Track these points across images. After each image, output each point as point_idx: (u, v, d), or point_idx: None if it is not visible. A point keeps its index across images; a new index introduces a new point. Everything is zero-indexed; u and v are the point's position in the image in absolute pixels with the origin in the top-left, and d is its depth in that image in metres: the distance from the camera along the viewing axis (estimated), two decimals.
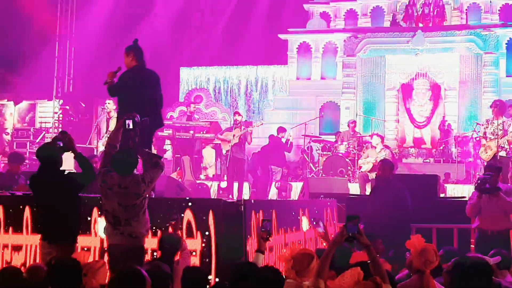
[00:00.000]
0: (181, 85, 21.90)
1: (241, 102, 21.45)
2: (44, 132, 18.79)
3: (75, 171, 7.24)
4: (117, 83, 8.06)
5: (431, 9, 18.54)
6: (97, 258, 6.88)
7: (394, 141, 18.39)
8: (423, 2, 18.61)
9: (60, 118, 19.62)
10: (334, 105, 19.38)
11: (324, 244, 8.04)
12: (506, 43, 18.31)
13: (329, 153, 15.75)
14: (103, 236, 6.66)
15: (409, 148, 18.18)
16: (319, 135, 18.07)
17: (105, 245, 6.63)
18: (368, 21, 19.80)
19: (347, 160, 15.35)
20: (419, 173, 14.62)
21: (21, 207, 7.51)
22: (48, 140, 16.20)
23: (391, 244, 8.00)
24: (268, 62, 21.34)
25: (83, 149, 12.33)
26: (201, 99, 20.61)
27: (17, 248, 7.54)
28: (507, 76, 18.29)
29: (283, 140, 15.63)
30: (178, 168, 14.66)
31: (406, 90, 18.80)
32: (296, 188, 15.11)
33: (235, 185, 14.34)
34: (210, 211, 6.93)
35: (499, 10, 19.00)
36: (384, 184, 9.85)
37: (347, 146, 15.72)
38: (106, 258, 6.48)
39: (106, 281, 4.94)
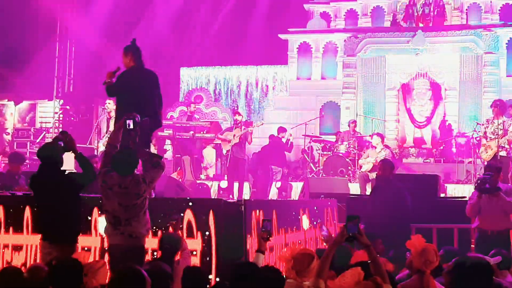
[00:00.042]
0: (181, 85, 21.91)
1: (242, 102, 21.46)
2: (44, 132, 18.79)
3: (76, 171, 7.24)
4: (115, 83, 8.06)
5: (432, 9, 18.54)
6: (97, 258, 6.89)
7: (395, 141, 18.39)
8: (424, 2, 18.61)
9: (61, 118, 19.62)
10: (335, 105, 19.37)
11: (325, 244, 8.05)
12: (506, 43, 18.30)
13: (329, 153, 15.76)
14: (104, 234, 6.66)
15: (410, 148, 18.18)
16: (320, 135, 18.07)
17: (106, 245, 6.63)
18: (368, 21, 19.80)
19: (348, 160, 15.35)
20: (419, 173, 14.62)
21: (21, 207, 7.52)
22: (48, 140, 16.20)
23: (391, 244, 8.00)
24: (268, 62, 21.35)
25: (84, 149, 12.31)
26: (201, 99, 20.63)
27: (17, 248, 7.55)
28: (507, 76, 18.28)
29: (284, 140, 15.64)
30: (179, 168, 14.66)
31: (407, 90, 18.80)
32: (296, 188, 15.11)
33: (236, 185, 14.35)
34: (211, 211, 6.94)
35: (499, 10, 19.00)
36: (385, 184, 9.85)
37: (347, 146, 15.73)
38: (106, 258, 6.48)
39: (107, 281, 4.95)
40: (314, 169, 15.89)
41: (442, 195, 13.10)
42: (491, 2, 18.94)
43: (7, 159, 12.22)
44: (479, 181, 9.11)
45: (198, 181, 14.80)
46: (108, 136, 10.69)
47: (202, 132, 15.66)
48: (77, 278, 4.83)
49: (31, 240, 7.38)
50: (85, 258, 5.39)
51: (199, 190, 14.05)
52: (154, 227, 6.87)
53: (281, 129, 15.87)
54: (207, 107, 20.51)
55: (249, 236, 6.96)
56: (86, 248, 7.14)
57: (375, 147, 14.72)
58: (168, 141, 16.25)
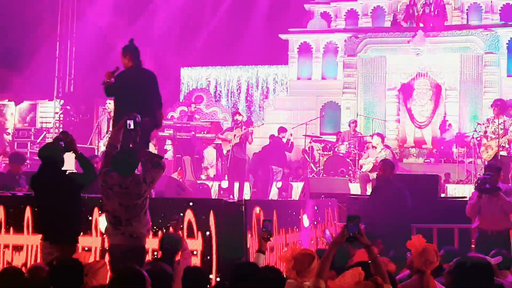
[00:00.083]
0: (182, 85, 21.91)
1: (242, 102, 21.46)
2: (45, 132, 18.79)
3: (76, 171, 7.25)
4: (114, 83, 8.07)
5: (432, 9, 18.54)
6: (98, 258, 6.89)
7: (395, 141, 18.39)
8: (424, 2, 18.61)
9: (61, 118, 19.61)
10: (335, 105, 19.38)
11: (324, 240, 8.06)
12: (506, 43, 18.30)
13: (330, 153, 15.76)
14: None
15: (410, 148, 18.18)
16: (320, 135, 18.07)
17: (106, 245, 6.63)
18: (368, 21, 19.80)
19: (348, 160, 15.35)
20: (419, 173, 14.61)
21: (22, 207, 7.52)
22: (49, 140, 16.20)
23: (392, 244, 7.99)
24: (268, 62, 21.36)
25: (84, 149, 12.31)
26: (202, 99, 20.63)
27: (18, 248, 7.55)
28: (507, 76, 18.28)
29: (284, 140, 15.64)
30: (179, 168, 14.68)
31: (407, 90, 18.80)
32: (297, 188, 15.11)
33: (236, 185, 14.34)
34: (211, 211, 6.94)
35: (499, 10, 19.00)
36: (385, 184, 9.85)
37: (347, 146, 15.73)
38: (107, 258, 6.49)
39: (107, 281, 4.95)
40: (315, 169, 15.89)
41: (443, 195, 13.11)
42: (491, 2, 18.94)
43: (7, 159, 12.22)
44: (479, 181, 9.11)
45: (198, 181, 14.81)
46: (109, 136, 10.68)
47: (202, 132, 15.66)
48: (77, 278, 4.84)
49: (32, 240, 7.38)
50: (86, 258, 5.40)
51: (200, 190, 14.05)
52: (155, 227, 6.88)
53: (282, 129, 15.87)
54: (207, 107, 20.51)
55: (249, 236, 6.96)
56: (86, 248, 7.15)
57: (376, 147, 14.72)
58: (168, 141, 16.25)
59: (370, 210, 9.57)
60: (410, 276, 5.51)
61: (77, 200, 6.48)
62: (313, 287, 4.59)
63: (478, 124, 14.51)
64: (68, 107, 19.58)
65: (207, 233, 6.91)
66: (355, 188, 13.98)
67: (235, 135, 14.41)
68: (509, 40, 18.31)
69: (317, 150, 16.58)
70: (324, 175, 14.99)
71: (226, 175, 15.20)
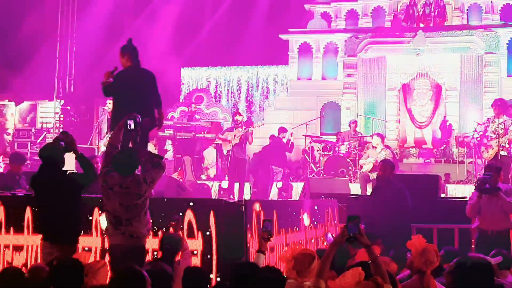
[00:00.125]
0: (182, 85, 21.90)
1: (242, 102, 21.46)
2: (45, 133, 18.81)
3: (77, 171, 7.25)
4: (112, 83, 8.07)
5: (432, 9, 18.54)
6: (98, 258, 6.89)
7: (395, 141, 18.40)
8: (424, 2, 18.61)
9: (61, 119, 19.62)
10: (335, 105, 19.38)
11: (326, 244, 8.05)
12: (507, 43, 18.31)
13: (330, 153, 15.76)
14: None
15: (410, 148, 18.19)
16: (320, 135, 18.07)
17: (106, 245, 6.63)
18: (369, 21, 19.81)
19: (348, 160, 15.35)
20: (420, 173, 14.61)
21: (22, 207, 7.52)
22: (49, 140, 16.21)
23: (392, 244, 7.99)
24: (269, 62, 21.36)
25: (84, 149, 12.31)
26: (202, 99, 20.62)
27: (18, 249, 7.55)
28: (508, 76, 18.29)
29: (284, 140, 15.63)
30: (179, 168, 14.67)
31: (407, 90, 18.81)
32: (297, 188, 15.10)
33: (236, 185, 14.34)
34: (211, 211, 6.94)
35: (500, 10, 19.01)
36: (385, 184, 9.85)
37: (348, 146, 15.73)
38: (107, 258, 6.49)
39: (107, 281, 4.95)
40: (315, 169, 15.89)
41: (443, 195, 13.11)
42: (491, 2, 18.95)
43: (8, 160, 12.22)
44: (479, 181, 9.12)
45: (198, 182, 14.80)
46: (109, 136, 10.68)
47: (202, 133, 15.66)
48: (78, 278, 4.84)
49: (32, 241, 7.38)
50: (86, 258, 5.40)
51: (200, 190, 14.04)
52: (155, 228, 6.88)
53: (282, 129, 15.86)
54: (207, 108, 20.50)
55: (249, 236, 6.96)
56: (86, 248, 7.15)
57: (376, 147, 14.72)
58: (169, 142, 16.25)
59: (370, 210, 9.57)
60: (410, 276, 5.51)
61: (77, 200, 6.48)
62: (313, 287, 4.59)
63: (478, 124, 14.51)
64: (68, 107, 19.59)
65: (207, 233, 6.91)
66: (355, 188, 13.98)
67: (235, 135, 14.41)
68: (509, 40, 18.32)
69: (317, 150, 16.58)
70: (324, 175, 14.99)
71: (226, 175, 15.19)
